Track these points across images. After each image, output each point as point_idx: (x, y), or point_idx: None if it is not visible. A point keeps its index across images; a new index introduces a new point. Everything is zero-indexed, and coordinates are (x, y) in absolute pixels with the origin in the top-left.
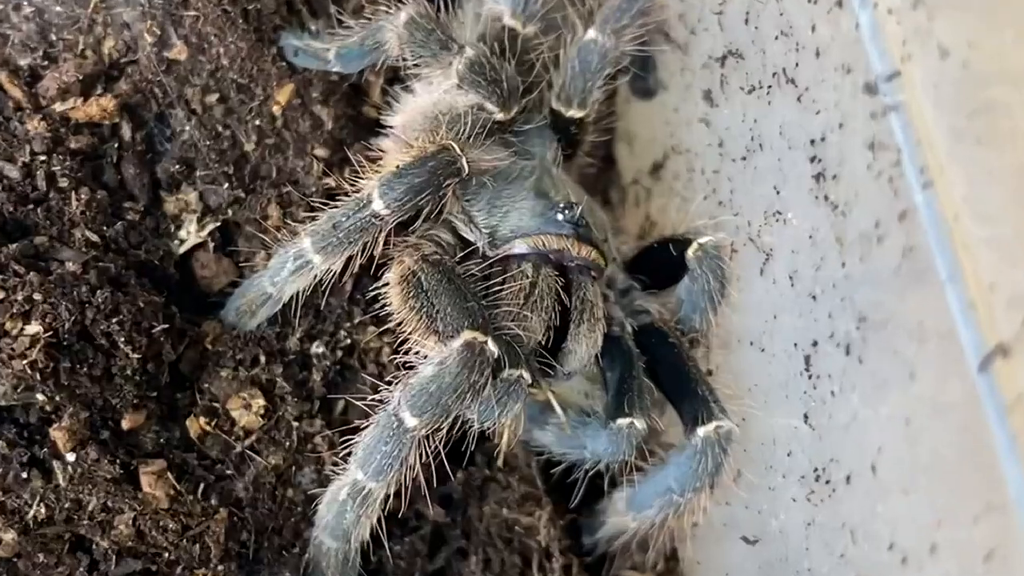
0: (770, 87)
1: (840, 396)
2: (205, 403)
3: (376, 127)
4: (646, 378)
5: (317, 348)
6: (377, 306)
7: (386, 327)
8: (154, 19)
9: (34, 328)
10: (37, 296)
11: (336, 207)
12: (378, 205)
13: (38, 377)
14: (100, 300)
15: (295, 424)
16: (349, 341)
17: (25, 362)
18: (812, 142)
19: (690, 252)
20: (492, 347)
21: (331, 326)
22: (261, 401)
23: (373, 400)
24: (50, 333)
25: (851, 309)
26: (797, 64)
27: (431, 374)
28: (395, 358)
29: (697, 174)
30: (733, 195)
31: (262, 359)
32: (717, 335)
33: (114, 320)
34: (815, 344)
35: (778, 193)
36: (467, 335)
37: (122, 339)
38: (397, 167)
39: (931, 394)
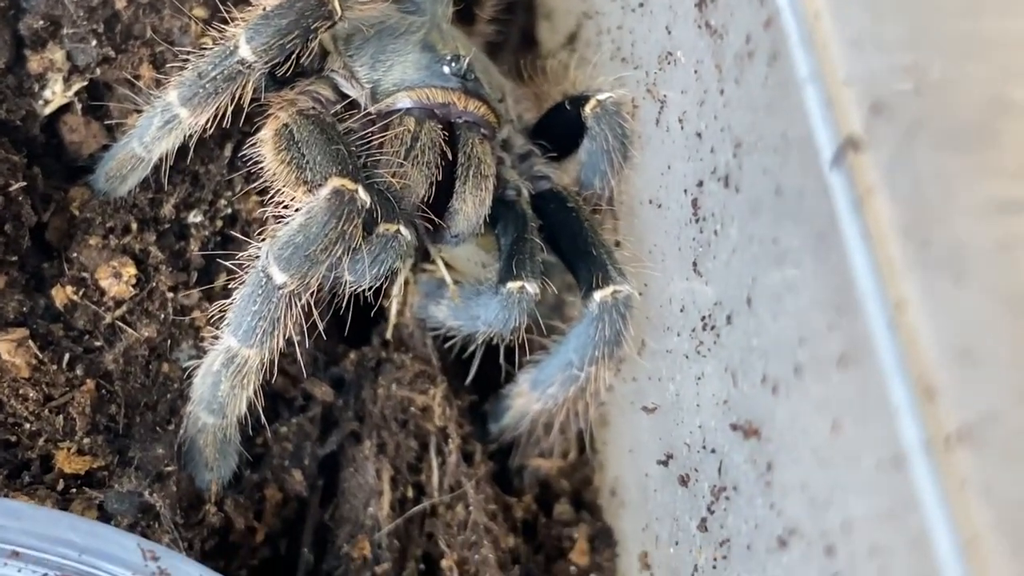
0: None
1: (722, 233)
2: (73, 272)
3: None
4: (541, 243)
5: (195, 217)
6: (257, 167)
7: (271, 197)
8: None
9: None
10: None
11: (202, 56)
12: (245, 51)
13: None
14: None
15: (170, 295)
16: (230, 211)
17: None
18: None
19: (587, 109)
20: (363, 195)
21: (209, 194)
22: (132, 270)
23: (243, 257)
24: None
25: (729, 137)
26: None
27: (298, 224)
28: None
29: (604, 35)
30: (634, 48)
31: (134, 227)
32: (623, 202)
33: None
34: (700, 184)
35: (669, 33)
36: (335, 181)
37: None
38: (263, 9)
39: (793, 206)
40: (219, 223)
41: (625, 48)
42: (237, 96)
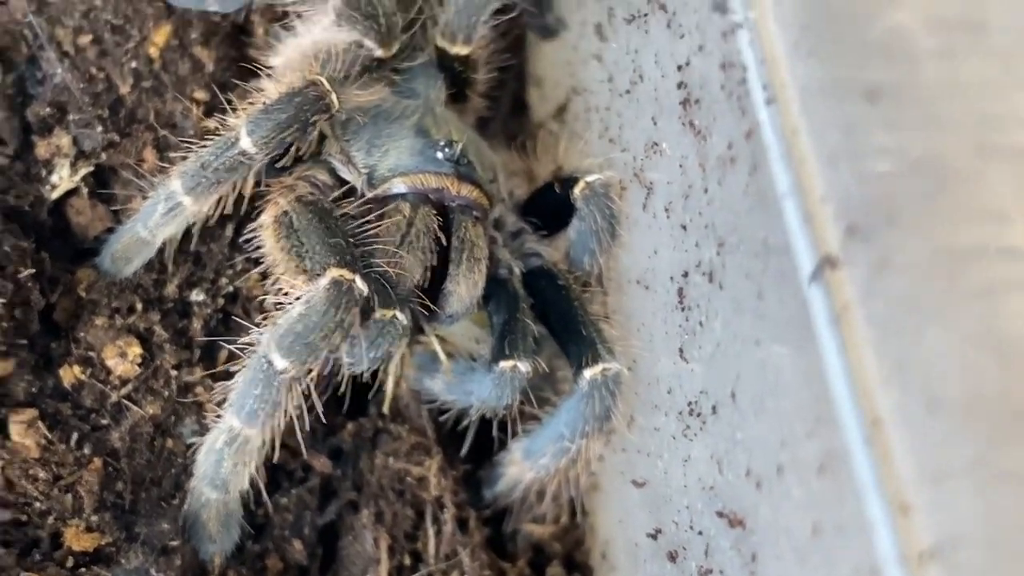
0: (646, 16)
1: (707, 325)
2: (80, 352)
3: (261, 69)
4: (532, 321)
5: (197, 296)
6: (258, 252)
7: (272, 276)
8: None
9: None
10: None
11: (204, 147)
12: (246, 143)
13: None
14: None
15: (174, 373)
16: (231, 288)
17: None
18: (679, 68)
19: (576, 191)
20: (360, 284)
21: (211, 273)
22: (137, 349)
23: (244, 343)
24: None
25: (713, 235)
26: None
27: (298, 313)
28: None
29: (592, 112)
30: (621, 131)
31: (139, 307)
32: (611, 278)
33: None
34: (686, 275)
35: (655, 124)
36: (333, 272)
37: None
38: (263, 103)
39: (775, 312)
40: (220, 301)
41: (613, 129)
42: (239, 185)
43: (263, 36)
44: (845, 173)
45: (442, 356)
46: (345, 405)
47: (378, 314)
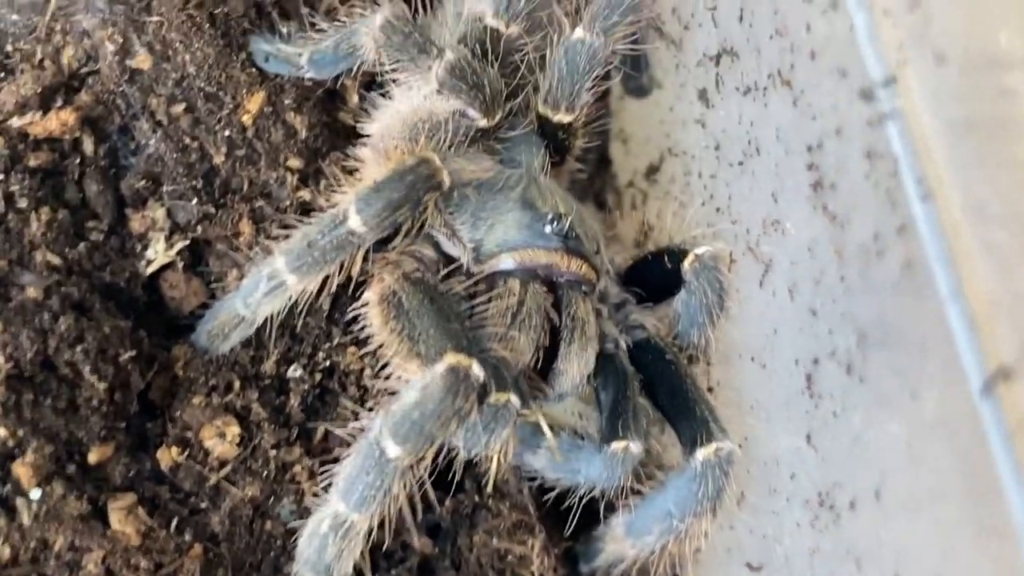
0: (766, 89)
1: (842, 416)
2: (177, 432)
3: (353, 135)
4: (643, 397)
5: (294, 372)
6: (357, 327)
7: (367, 349)
8: (115, 26)
9: None
10: None
11: (310, 224)
12: (355, 222)
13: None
14: (63, 328)
15: (272, 453)
16: (328, 363)
17: None
18: (809, 148)
19: (686, 264)
20: (477, 371)
21: (309, 348)
22: (236, 429)
23: (355, 428)
24: (11, 364)
25: (851, 325)
26: (792, 66)
27: (413, 400)
28: (377, 381)
29: (694, 178)
30: (731, 201)
31: (236, 384)
32: (717, 350)
33: (78, 348)
34: (816, 362)
35: (776, 201)
36: (450, 358)
37: (87, 368)
38: (374, 181)
39: (934, 415)
40: (318, 376)
41: (720, 198)
42: (347, 264)
43: (356, 101)
44: (1019, 275)
45: (548, 434)
46: (454, 485)
47: (492, 398)
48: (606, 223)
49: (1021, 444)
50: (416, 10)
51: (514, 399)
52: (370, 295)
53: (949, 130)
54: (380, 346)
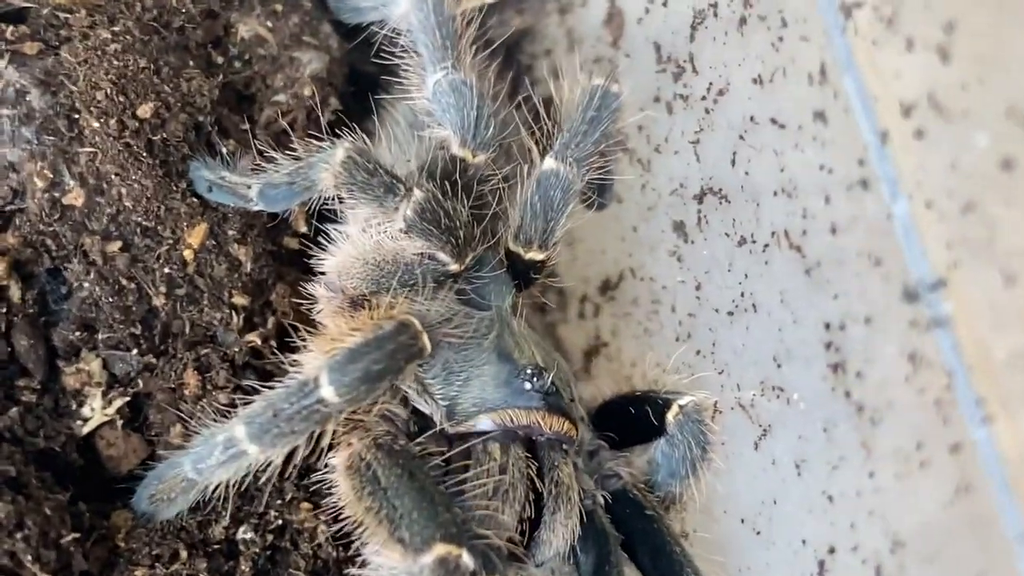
0: (767, 246)
1: None
2: None
3: (300, 262)
4: (623, 564)
5: (245, 533)
6: (311, 480)
7: (321, 507)
8: (44, 158)
9: None
10: None
11: (275, 390)
12: (327, 392)
13: None
14: (2, 515)
15: None
16: (280, 521)
17: None
18: (827, 326)
19: (670, 416)
20: (468, 561)
21: (259, 506)
22: None
23: None
24: None
25: (883, 527)
26: (805, 232)
27: None
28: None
29: (665, 309)
30: (716, 349)
31: (183, 553)
32: (696, 500)
33: (18, 536)
34: (832, 551)
35: (779, 366)
36: (439, 549)
37: (29, 557)
38: (349, 349)
39: None
40: (269, 536)
41: (700, 341)
42: (315, 435)
43: (305, 230)
44: None
45: None
46: None
47: None
48: (549, 331)
49: None
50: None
51: None
52: (337, 461)
53: (1014, 345)
54: (351, 520)
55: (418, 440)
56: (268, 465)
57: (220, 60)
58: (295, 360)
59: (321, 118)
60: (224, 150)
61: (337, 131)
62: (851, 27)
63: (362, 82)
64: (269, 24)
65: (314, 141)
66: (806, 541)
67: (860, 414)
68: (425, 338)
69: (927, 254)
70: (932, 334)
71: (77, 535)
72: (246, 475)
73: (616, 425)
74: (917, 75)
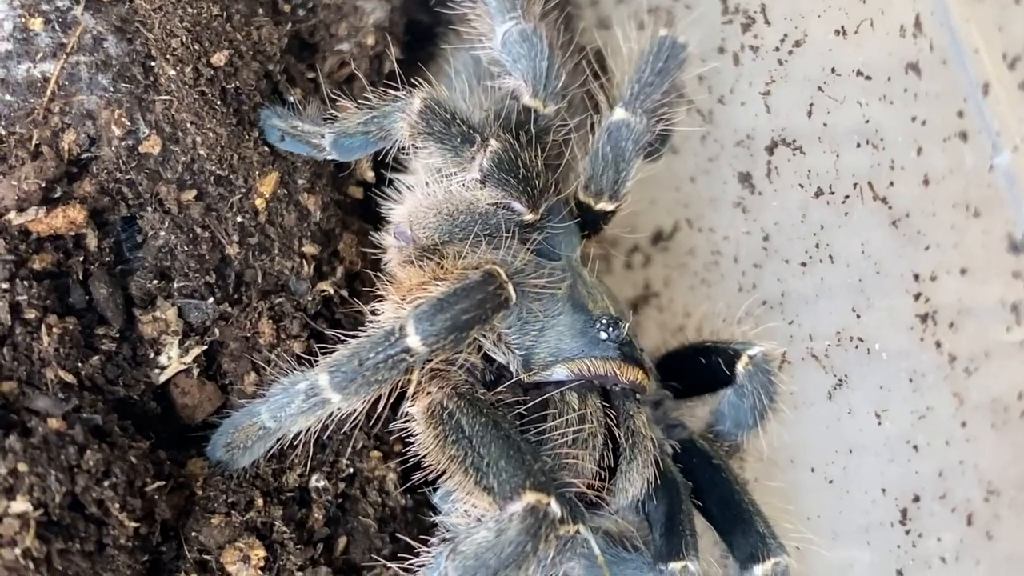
0: (847, 197)
1: (955, 566)
2: (194, 555)
3: (365, 211)
4: (694, 513)
5: (317, 482)
6: (380, 429)
7: (394, 454)
8: (120, 106)
9: (21, 506)
10: (22, 466)
11: (359, 339)
12: (413, 340)
13: (31, 566)
14: (91, 463)
15: (299, 575)
16: (351, 470)
17: (17, 550)
18: (916, 277)
19: (740, 367)
20: (556, 508)
21: (331, 455)
22: (261, 552)
23: (414, 564)
24: (40, 511)
25: (974, 476)
26: (892, 183)
27: (488, 544)
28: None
29: (727, 261)
30: (785, 299)
31: (258, 501)
32: (759, 448)
33: (106, 484)
34: (917, 500)
35: (858, 317)
36: (530, 497)
37: (116, 506)
38: (436, 298)
39: None
40: (341, 485)
41: (768, 291)
42: (398, 385)
43: (371, 177)
44: None
45: (598, 553)
46: None
47: (562, 530)
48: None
49: None
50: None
51: (583, 530)
52: (416, 410)
53: None
54: (437, 471)
55: (497, 389)
56: (349, 414)
57: (286, 8)
58: (374, 309)
59: (385, 67)
60: (293, 99)
61: (398, 81)
62: None
63: (417, 32)
64: None
65: (388, 90)
66: (886, 490)
67: (952, 364)
68: (511, 287)
69: None
70: None
71: (162, 483)
72: (324, 424)
73: (680, 375)
74: (1020, 28)
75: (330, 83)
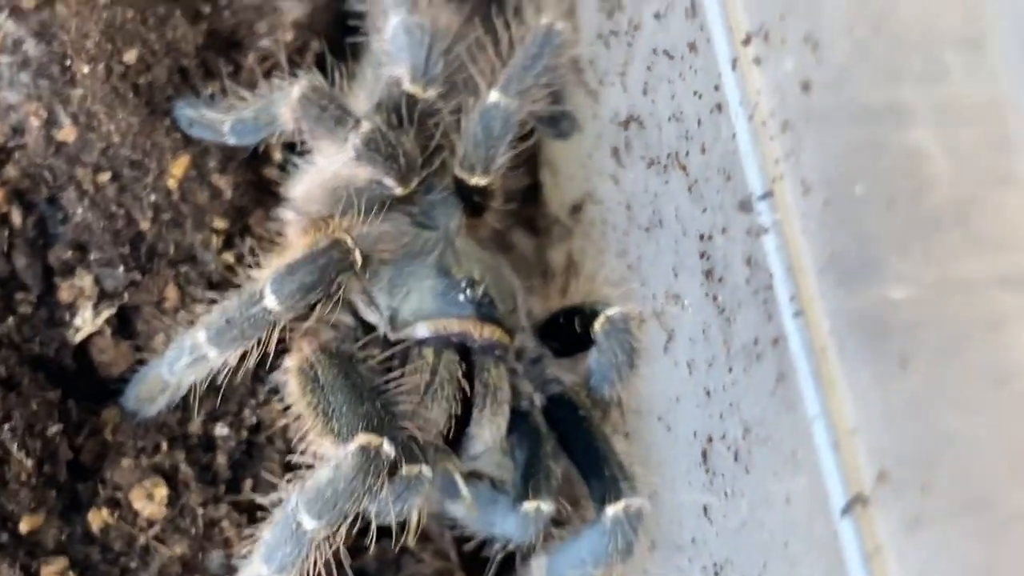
0: (666, 167)
1: (732, 499)
2: (107, 493)
3: (279, 191)
4: (555, 458)
5: (221, 430)
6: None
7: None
8: (40, 100)
9: None
10: None
11: (229, 300)
12: (270, 301)
13: None
14: None
15: (200, 511)
16: (255, 420)
17: None
18: (702, 237)
19: (596, 326)
20: (388, 448)
21: (235, 406)
22: (164, 491)
23: (274, 499)
24: None
25: (738, 417)
26: (687, 153)
27: (326, 478)
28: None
29: (609, 229)
30: (640, 263)
31: (164, 445)
32: (629, 404)
33: (5, 426)
34: (710, 440)
35: (676, 276)
36: (361, 438)
37: (15, 446)
38: (288, 263)
39: (805, 524)
40: (244, 433)
41: (631, 257)
42: (264, 339)
43: (280, 159)
44: (876, 404)
45: (464, 492)
46: (370, 539)
47: (404, 470)
48: (537, 247)
49: (877, 568)
50: (332, 81)
51: (426, 471)
52: (290, 363)
53: (820, 251)
54: (298, 417)
55: (358, 344)
56: (228, 366)
57: (207, 10)
58: (251, 271)
59: (308, 59)
60: (209, 90)
61: (321, 71)
62: None
63: (349, 22)
64: None
65: (277, 81)
66: (696, 433)
67: (721, 315)
68: (357, 253)
69: (762, 169)
70: (761, 240)
71: (62, 427)
72: (219, 375)
73: (558, 335)
74: (757, 8)
75: (253, 76)
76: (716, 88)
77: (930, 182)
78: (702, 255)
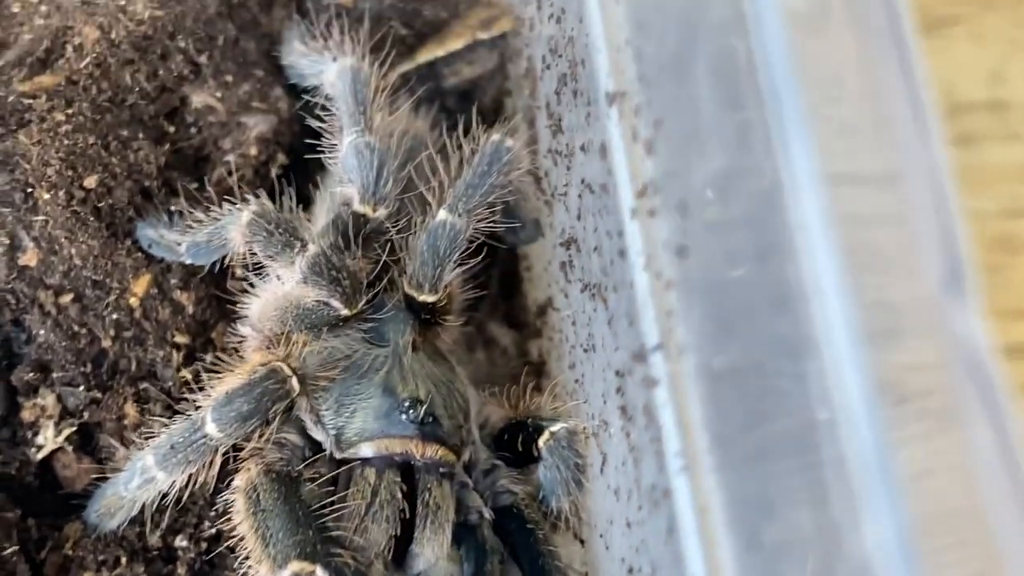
0: (593, 295)
1: None
2: None
3: (239, 304)
4: (507, 564)
5: (181, 541)
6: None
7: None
8: (3, 227)
9: None
10: None
11: (175, 425)
12: (211, 428)
13: None
14: None
15: None
16: (214, 530)
17: None
18: (617, 372)
19: (541, 441)
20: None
21: (194, 517)
22: None
23: None
24: None
25: (647, 556)
26: (606, 287)
27: None
28: None
29: (564, 339)
30: (583, 381)
31: (123, 560)
32: (582, 518)
33: None
34: (631, 572)
35: (604, 402)
36: (294, 566)
37: None
38: (226, 392)
39: None
40: (203, 544)
41: (578, 372)
42: (207, 463)
43: (240, 274)
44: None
45: None
46: None
47: None
48: (519, 339)
49: None
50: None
51: None
52: (238, 482)
53: (709, 414)
54: (242, 538)
55: (303, 465)
56: (176, 486)
57: (172, 129)
58: (196, 399)
59: (273, 172)
60: (173, 208)
61: (287, 184)
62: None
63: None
64: (219, 94)
65: (228, 204)
66: (624, 559)
67: (631, 453)
68: (294, 381)
69: (656, 320)
70: (654, 392)
71: (17, 548)
72: (176, 492)
73: (510, 447)
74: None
75: (219, 191)
76: (619, 234)
77: None
78: (617, 390)
